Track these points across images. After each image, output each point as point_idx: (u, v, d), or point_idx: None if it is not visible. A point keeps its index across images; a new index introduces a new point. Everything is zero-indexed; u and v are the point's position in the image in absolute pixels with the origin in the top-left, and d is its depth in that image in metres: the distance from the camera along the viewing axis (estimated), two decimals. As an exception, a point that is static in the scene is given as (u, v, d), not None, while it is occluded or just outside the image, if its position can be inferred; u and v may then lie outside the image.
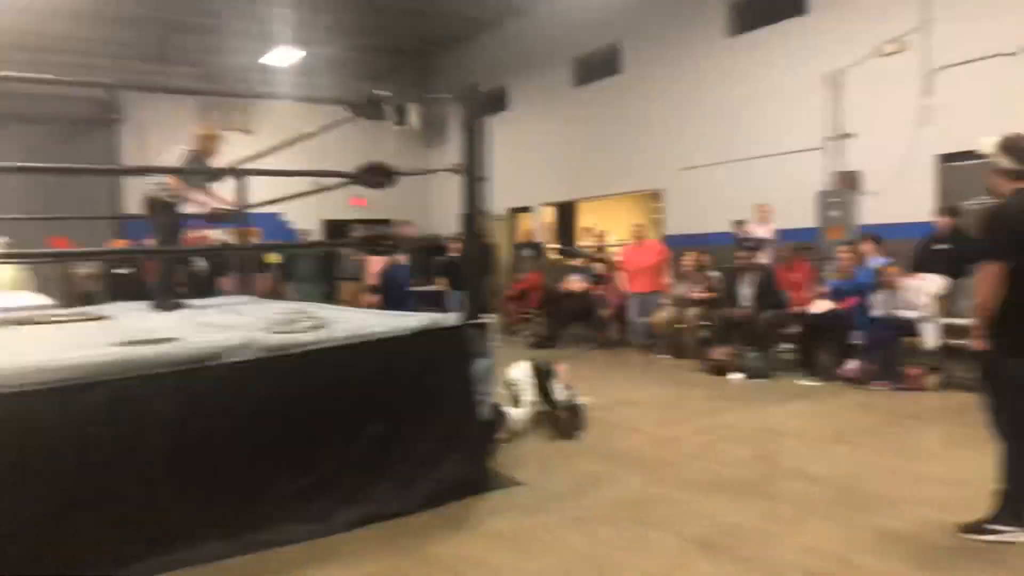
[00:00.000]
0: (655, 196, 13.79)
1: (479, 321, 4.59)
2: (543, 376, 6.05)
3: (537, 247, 14.86)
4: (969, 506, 3.85)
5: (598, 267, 10.85)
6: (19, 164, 6.72)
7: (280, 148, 5.91)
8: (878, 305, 7.41)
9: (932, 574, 3.28)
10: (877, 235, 8.54)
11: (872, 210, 9.90)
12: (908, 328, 7.20)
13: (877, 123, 9.93)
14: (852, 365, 7.34)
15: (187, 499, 3.58)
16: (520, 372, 6.07)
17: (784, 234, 10.15)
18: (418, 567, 3.53)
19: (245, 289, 8.88)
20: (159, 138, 6.31)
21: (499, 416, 5.62)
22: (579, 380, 6.30)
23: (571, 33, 14.62)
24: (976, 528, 3.60)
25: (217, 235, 13.98)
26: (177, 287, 8.22)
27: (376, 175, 4.20)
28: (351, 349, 4.10)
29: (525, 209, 16.63)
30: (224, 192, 6.86)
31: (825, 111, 10.50)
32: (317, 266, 12.51)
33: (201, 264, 10.97)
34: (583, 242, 13.63)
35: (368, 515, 4.02)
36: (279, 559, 3.62)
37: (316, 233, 17.02)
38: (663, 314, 9.69)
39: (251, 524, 3.72)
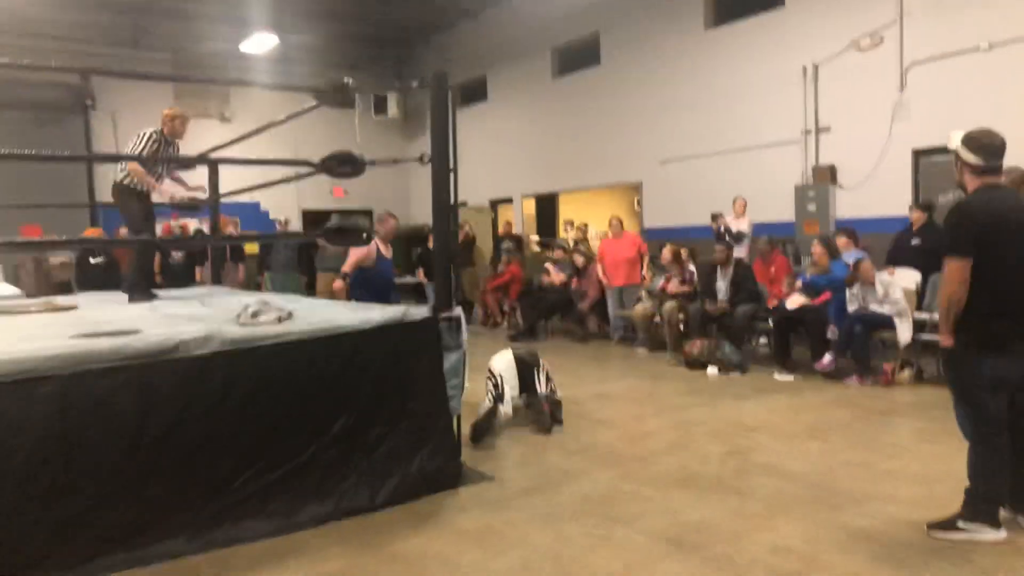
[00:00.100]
0: (634, 189, 13.75)
1: (449, 314, 4.52)
2: (527, 368, 6.00)
3: (518, 239, 14.81)
4: (939, 503, 3.85)
5: (577, 259, 10.81)
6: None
7: (248, 137, 5.80)
8: (852, 300, 7.41)
9: (899, 573, 3.26)
10: (852, 229, 8.56)
11: (849, 204, 9.93)
12: (882, 323, 7.20)
13: (854, 117, 9.94)
14: (827, 360, 7.34)
15: (146, 495, 3.50)
16: (503, 364, 6.00)
17: (762, 228, 10.16)
18: (381, 564, 3.47)
19: (220, 279, 8.79)
20: (134, 125, 6.19)
21: (491, 410, 5.58)
22: (556, 373, 6.26)
23: (551, 23, 14.53)
24: (945, 526, 3.59)
25: (196, 224, 13.86)
26: (154, 277, 8.13)
27: (342, 164, 4.11)
28: (316, 342, 4.02)
29: (506, 201, 16.56)
30: (194, 180, 6.75)
31: (803, 104, 10.50)
32: (294, 256, 12.41)
33: (177, 253, 10.84)
34: (565, 235, 13.58)
35: (335, 511, 3.97)
36: (241, 556, 3.56)
37: (295, 223, 16.89)
38: (640, 307, 9.67)
39: (213, 521, 3.65)
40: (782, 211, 10.50)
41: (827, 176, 10.13)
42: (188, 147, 7.61)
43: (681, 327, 9.02)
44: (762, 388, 7.20)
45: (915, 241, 7.96)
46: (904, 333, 7.12)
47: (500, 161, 16.38)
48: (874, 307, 7.24)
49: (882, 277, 7.35)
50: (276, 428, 3.87)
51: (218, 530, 3.64)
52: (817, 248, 7.95)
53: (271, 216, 15.59)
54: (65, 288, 9.62)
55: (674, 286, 9.30)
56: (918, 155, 9.30)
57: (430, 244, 11.78)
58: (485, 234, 15.57)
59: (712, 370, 7.92)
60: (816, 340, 7.65)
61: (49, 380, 3.26)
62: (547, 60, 15.17)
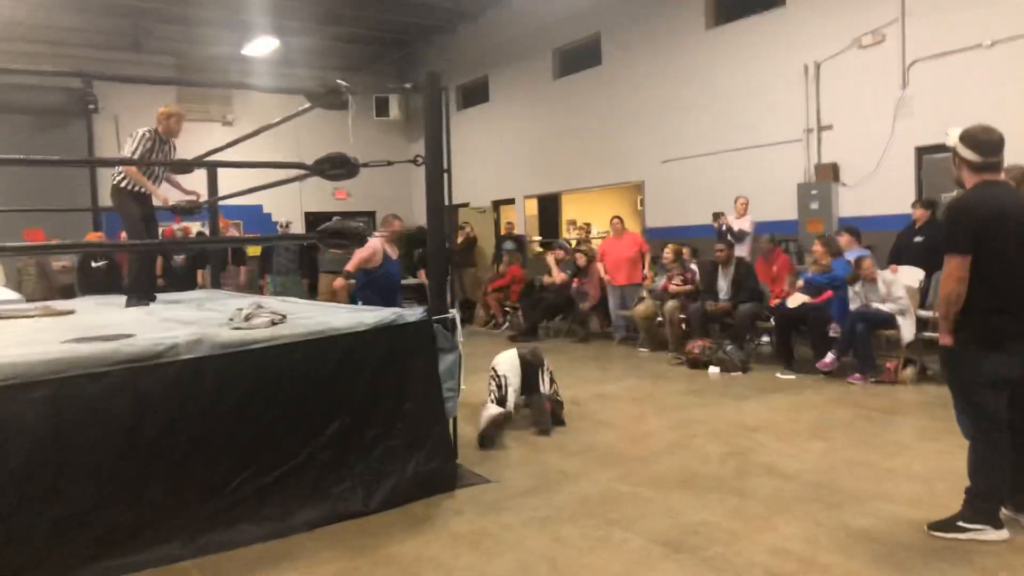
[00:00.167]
0: (637, 188, 13.72)
1: (445, 316, 4.49)
2: (531, 368, 5.95)
3: (519, 240, 14.78)
4: (940, 503, 3.81)
5: (579, 259, 10.78)
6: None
7: (243, 140, 5.78)
8: (855, 298, 7.36)
9: (899, 573, 3.22)
10: (855, 227, 8.51)
11: (852, 202, 9.87)
12: (885, 321, 7.15)
13: (856, 115, 9.88)
14: (829, 358, 7.29)
15: (140, 500, 3.48)
16: (507, 364, 5.92)
17: (765, 226, 10.11)
18: (375, 568, 3.44)
19: (220, 282, 8.79)
20: (136, 128, 6.14)
21: (497, 417, 5.52)
22: (558, 373, 6.22)
23: (552, 24, 14.50)
24: (945, 526, 3.55)
25: (198, 228, 13.86)
26: (156, 280, 8.11)
27: (335, 167, 4.09)
28: (310, 345, 4.00)
29: (508, 202, 16.53)
30: (191, 184, 6.72)
31: (805, 103, 10.45)
32: (296, 259, 12.39)
33: (180, 256, 10.84)
34: (568, 235, 13.55)
35: (329, 515, 3.94)
36: (235, 561, 3.53)
37: (298, 225, 16.88)
38: (642, 307, 9.63)
39: (208, 525, 3.63)
40: (784, 209, 10.45)
41: (830, 174, 10.08)
42: (190, 150, 7.59)
43: (683, 326, 8.98)
44: (764, 387, 7.16)
45: (918, 239, 7.92)
46: (907, 331, 7.07)
47: (502, 162, 16.35)
48: (876, 305, 7.19)
49: (884, 275, 7.31)
50: (270, 431, 3.84)
51: (213, 534, 3.62)
52: (817, 247, 7.91)
53: (273, 219, 15.59)
54: (68, 292, 9.64)
55: (676, 285, 9.26)
56: (921, 152, 9.24)
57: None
58: (487, 235, 15.55)
59: (714, 369, 7.88)
60: (818, 339, 7.61)
61: (41, 385, 3.25)
62: (548, 61, 15.13)
